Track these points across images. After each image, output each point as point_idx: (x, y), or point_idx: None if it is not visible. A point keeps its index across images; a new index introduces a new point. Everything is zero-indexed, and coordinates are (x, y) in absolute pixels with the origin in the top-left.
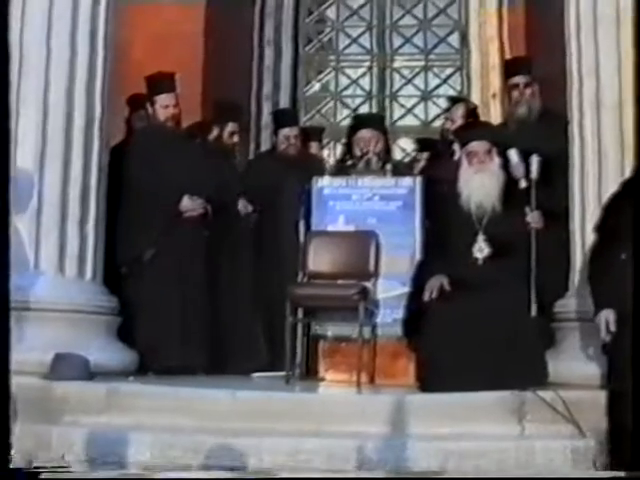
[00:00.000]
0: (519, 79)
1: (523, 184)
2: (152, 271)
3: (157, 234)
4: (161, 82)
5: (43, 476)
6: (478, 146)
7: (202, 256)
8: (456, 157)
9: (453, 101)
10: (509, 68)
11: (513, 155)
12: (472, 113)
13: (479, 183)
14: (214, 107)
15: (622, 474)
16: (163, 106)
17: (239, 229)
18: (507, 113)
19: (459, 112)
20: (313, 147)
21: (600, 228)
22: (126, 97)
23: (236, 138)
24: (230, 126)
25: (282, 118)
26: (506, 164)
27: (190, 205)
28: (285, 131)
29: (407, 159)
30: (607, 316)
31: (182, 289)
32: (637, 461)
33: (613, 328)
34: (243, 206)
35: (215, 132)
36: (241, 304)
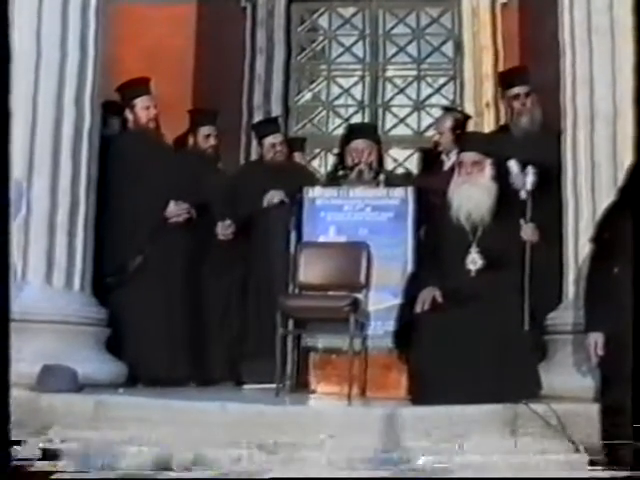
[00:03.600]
0: (519, 89)
1: (524, 195)
2: (138, 281)
3: (143, 242)
4: (138, 86)
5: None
6: (466, 157)
7: (188, 264)
8: (445, 168)
9: (445, 112)
10: (507, 79)
11: (513, 166)
12: (462, 124)
13: (466, 194)
14: (189, 117)
15: (623, 474)
16: (144, 107)
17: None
18: (511, 124)
19: (447, 124)
20: (297, 157)
21: (595, 240)
22: None
23: (212, 140)
24: (203, 130)
25: (264, 127)
26: (507, 175)
27: (176, 210)
28: (269, 139)
29: (399, 169)
30: (596, 339)
31: (169, 299)
32: (637, 461)
33: (601, 352)
34: (223, 228)
35: (191, 140)
36: (230, 314)
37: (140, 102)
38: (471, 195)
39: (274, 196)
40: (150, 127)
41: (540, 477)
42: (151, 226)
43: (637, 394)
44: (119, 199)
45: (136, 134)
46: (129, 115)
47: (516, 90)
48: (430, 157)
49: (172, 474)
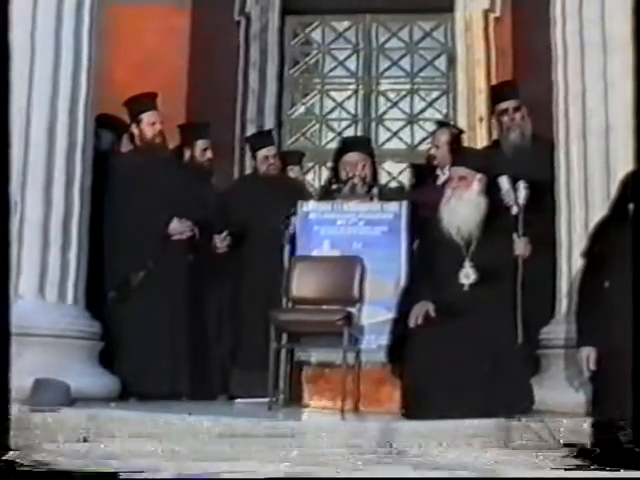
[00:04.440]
0: (507, 104)
1: (515, 211)
2: (137, 296)
3: (146, 257)
4: (145, 101)
5: None
6: (454, 172)
7: (189, 278)
8: (440, 182)
9: (440, 126)
10: (496, 93)
11: (504, 182)
12: (457, 138)
13: (453, 209)
14: (180, 132)
15: (623, 474)
16: (150, 123)
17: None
18: (501, 139)
19: (443, 138)
20: (294, 171)
21: (587, 254)
22: None
23: (209, 154)
24: (200, 143)
25: (258, 140)
26: (499, 191)
27: (179, 228)
28: (263, 152)
29: (393, 183)
30: (588, 354)
31: (169, 313)
32: (637, 461)
33: (593, 367)
34: (220, 241)
35: (187, 154)
36: (223, 328)
37: (146, 117)
38: (457, 210)
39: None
40: (156, 142)
41: (539, 477)
42: (154, 242)
43: (636, 407)
44: (122, 214)
45: (143, 150)
46: (135, 130)
47: (504, 105)
48: (424, 171)
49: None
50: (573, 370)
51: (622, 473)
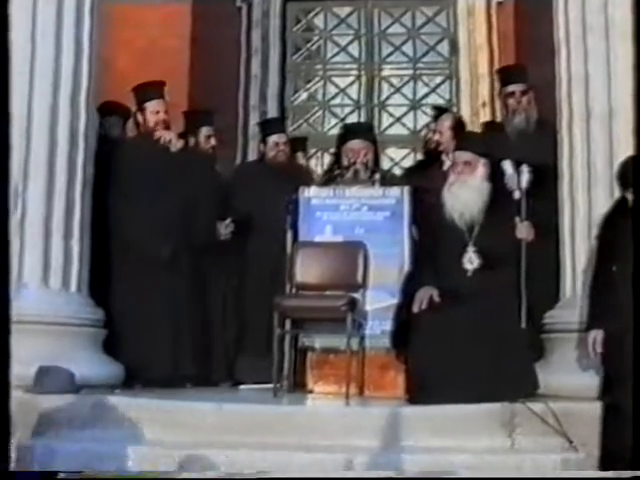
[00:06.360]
0: (515, 87)
1: (517, 195)
2: (143, 283)
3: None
4: (150, 89)
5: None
6: (458, 157)
7: (192, 268)
8: (445, 167)
9: (438, 111)
10: (504, 76)
11: (508, 166)
12: (459, 123)
13: (455, 194)
14: (184, 118)
15: (623, 474)
16: (154, 112)
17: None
18: (505, 122)
19: (447, 123)
20: (299, 157)
21: (597, 238)
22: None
23: (213, 141)
24: (204, 130)
25: (270, 125)
26: (502, 175)
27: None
28: (274, 138)
29: (395, 169)
30: (595, 336)
31: (173, 301)
32: (637, 461)
33: (599, 349)
34: (223, 228)
35: (192, 141)
36: (227, 314)
37: (150, 106)
38: (460, 196)
39: None
40: (156, 132)
41: (539, 477)
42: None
43: (637, 393)
44: (124, 201)
45: (145, 137)
46: (139, 117)
47: (512, 88)
48: (429, 157)
49: (172, 474)
50: (578, 354)
51: (622, 473)
